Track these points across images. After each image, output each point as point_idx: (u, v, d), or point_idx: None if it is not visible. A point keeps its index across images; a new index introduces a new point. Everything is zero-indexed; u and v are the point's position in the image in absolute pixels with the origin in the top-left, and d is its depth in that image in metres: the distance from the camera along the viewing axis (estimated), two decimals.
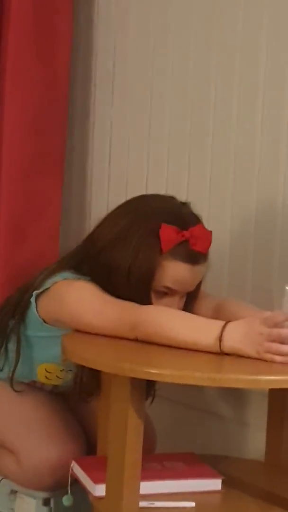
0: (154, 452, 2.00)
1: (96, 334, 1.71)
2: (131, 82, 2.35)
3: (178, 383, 1.51)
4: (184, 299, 1.81)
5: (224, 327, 1.58)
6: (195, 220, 1.79)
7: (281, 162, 2.04)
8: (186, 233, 1.74)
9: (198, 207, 1.86)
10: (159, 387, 1.88)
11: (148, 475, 1.67)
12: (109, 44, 2.39)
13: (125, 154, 2.36)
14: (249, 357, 1.56)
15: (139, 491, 1.60)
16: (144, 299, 1.73)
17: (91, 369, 1.74)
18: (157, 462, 1.77)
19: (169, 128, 2.26)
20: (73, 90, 2.45)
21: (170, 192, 1.94)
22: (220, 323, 1.60)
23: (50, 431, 1.87)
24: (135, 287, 1.74)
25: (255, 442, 2.04)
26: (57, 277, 1.79)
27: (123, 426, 1.56)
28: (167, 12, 2.24)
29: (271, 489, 1.74)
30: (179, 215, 1.78)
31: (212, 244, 1.80)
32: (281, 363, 1.54)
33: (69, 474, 1.78)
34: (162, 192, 2.16)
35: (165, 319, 1.65)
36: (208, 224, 1.83)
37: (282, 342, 1.55)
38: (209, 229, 1.80)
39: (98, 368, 1.62)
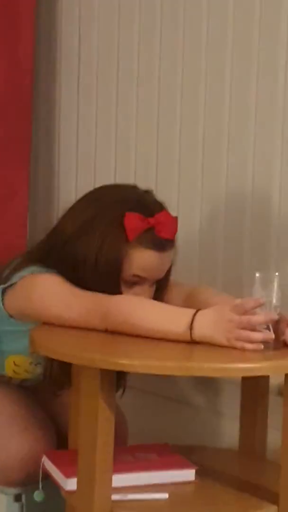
0: (126, 444, 1.98)
1: (65, 327, 1.69)
2: (97, 67, 2.32)
3: (149, 373, 1.48)
4: (154, 287, 1.79)
5: (194, 315, 1.57)
6: (160, 206, 1.77)
7: (250, 150, 2.02)
8: (151, 220, 1.72)
9: (167, 195, 1.84)
10: (130, 378, 1.85)
11: (121, 467, 1.65)
12: (74, 27, 2.36)
13: (92, 141, 2.34)
14: (220, 345, 1.55)
15: (111, 484, 1.58)
16: (113, 289, 1.71)
17: (60, 362, 1.71)
18: (129, 454, 1.75)
19: (137, 114, 2.24)
20: (38, 76, 2.42)
21: (138, 180, 1.92)
22: (191, 311, 1.58)
23: (19, 426, 1.84)
24: (103, 277, 1.72)
25: (228, 431, 2.03)
26: (24, 272, 1.76)
27: (93, 418, 1.54)
28: None
29: (245, 478, 1.73)
30: (143, 202, 1.76)
31: (181, 231, 1.79)
32: (252, 350, 1.53)
33: (40, 469, 1.75)
34: (130, 180, 2.14)
35: (135, 309, 1.63)
36: (177, 211, 1.81)
37: (253, 329, 1.54)
38: (179, 216, 1.78)
39: (67, 360, 1.59)
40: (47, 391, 1.91)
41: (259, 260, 2.00)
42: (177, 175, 2.15)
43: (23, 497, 1.88)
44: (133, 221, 1.71)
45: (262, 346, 1.54)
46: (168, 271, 1.80)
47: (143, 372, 1.49)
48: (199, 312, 1.57)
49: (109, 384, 1.54)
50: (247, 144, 2.02)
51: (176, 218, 1.76)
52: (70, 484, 1.64)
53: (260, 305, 1.55)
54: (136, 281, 1.75)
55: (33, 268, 1.76)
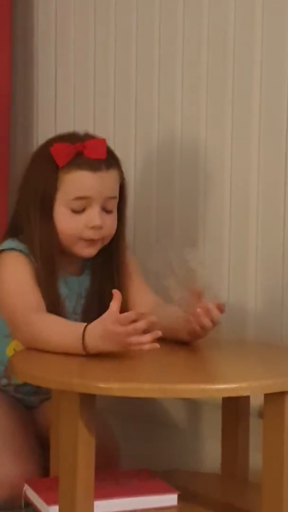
0: (118, 466, 1.95)
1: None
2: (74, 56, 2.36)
3: (128, 396, 1.48)
4: (113, 217, 1.81)
5: (84, 331, 1.61)
6: (88, 136, 1.83)
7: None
8: (79, 145, 1.78)
9: None
10: (109, 402, 1.85)
11: (102, 493, 1.64)
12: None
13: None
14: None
15: (93, 510, 1.56)
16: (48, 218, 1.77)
17: None
18: (111, 479, 1.73)
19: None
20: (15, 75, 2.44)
21: None
22: (81, 327, 1.62)
23: (12, 448, 1.83)
24: (46, 212, 1.77)
25: (210, 454, 2.02)
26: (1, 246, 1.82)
27: (73, 443, 1.53)
28: None
29: (228, 501, 1.72)
30: (70, 134, 1.84)
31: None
32: (150, 348, 1.58)
33: (22, 497, 1.74)
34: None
35: (44, 327, 1.67)
36: None
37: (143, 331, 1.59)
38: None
39: (46, 386, 1.59)
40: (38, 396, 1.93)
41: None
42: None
43: None
44: (59, 149, 1.77)
45: (157, 345, 1.58)
46: (122, 203, 1.83)
47: (122, 395, 1.49)
48: (87, 328, 1.61)
49: (89, 408, 1.54)
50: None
51: (104, 140, 1.81)
52: None
53: (142, 318, 1.59)
54: (83, 206, 1.77)
55: (7, 243, 1.81)
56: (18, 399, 1.94)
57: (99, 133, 2.23)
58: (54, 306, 1.77)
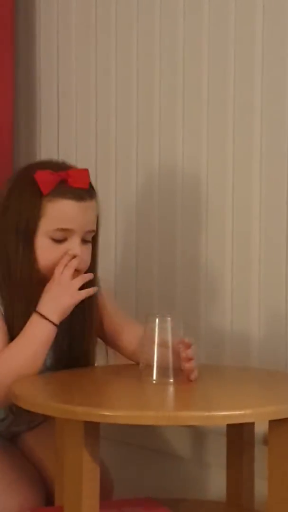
0: (111, 498, 1.94)
1: None
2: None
3: (133, 424, 1.48)
4: (89, 250, 1.80)
5: (38, 313, 1.72)
6: (70, 166, 1.83)
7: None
8: (62, 173, 1.77)
9: None
10: (112, 430, 1.84)
11: None
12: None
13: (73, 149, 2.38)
14: (70, 305, 1.74)
15: None
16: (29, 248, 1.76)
17: None
18: (115, 508, 1.72)
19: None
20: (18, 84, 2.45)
21: None
22: (34, 316, 1.73)
23: (10, 481, 1.81)
24: (24, 236, 1.76)
25: (215, 482, 2.01)
26: None
27: (78, 472, 1.52)
28: None
29: None
30: (53, 162, 1.84)
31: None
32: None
33: None
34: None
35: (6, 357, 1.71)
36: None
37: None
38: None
39: (50, 414, 1.58)
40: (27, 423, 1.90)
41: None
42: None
43: None
44: (43, 176, 1.76)
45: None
46: (96, 234, 1.83)
47: (126, 423, 1.48)
48: (38, 308, 1.72)
49: (93, 436, 1.53)
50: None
51: (86, 169, 1.80)
52: None
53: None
54: (64, 237, 1.77)
55: None
56: None
57: (101, 158, 2.25)
58: None
